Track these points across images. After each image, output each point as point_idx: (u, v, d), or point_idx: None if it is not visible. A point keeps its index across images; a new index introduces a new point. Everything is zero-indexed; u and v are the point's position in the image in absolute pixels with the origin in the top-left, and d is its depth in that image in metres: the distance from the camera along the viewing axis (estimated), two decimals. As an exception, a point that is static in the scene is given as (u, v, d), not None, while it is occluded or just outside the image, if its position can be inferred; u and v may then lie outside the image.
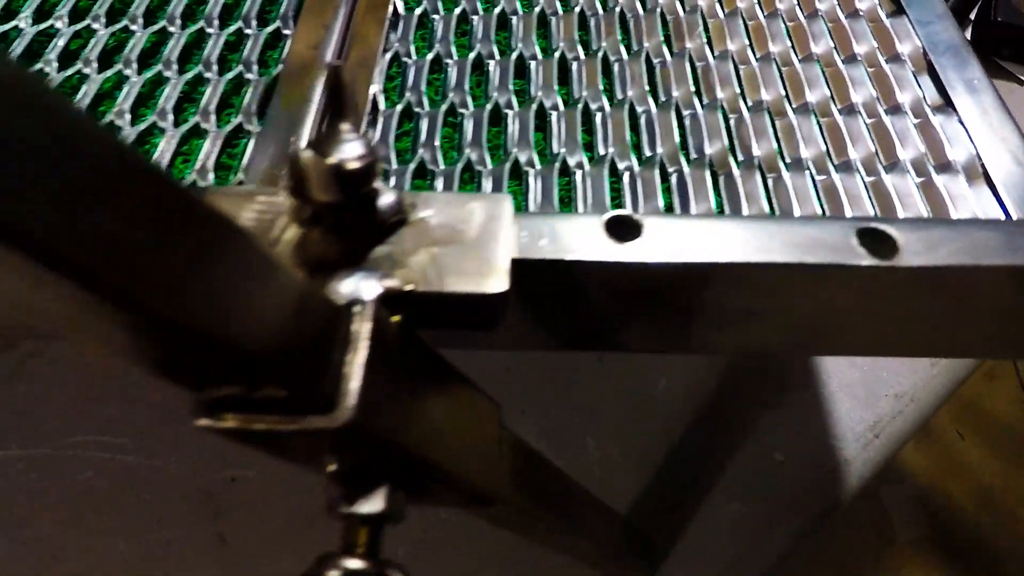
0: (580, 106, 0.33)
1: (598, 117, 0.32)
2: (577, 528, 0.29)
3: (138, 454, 0.50)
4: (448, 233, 0.18)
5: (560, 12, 0.37)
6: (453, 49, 0.36)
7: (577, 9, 0.37)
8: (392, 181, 0.29)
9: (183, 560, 0.46)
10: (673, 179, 0.30)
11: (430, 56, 0.35)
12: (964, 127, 0.31)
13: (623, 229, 0.20)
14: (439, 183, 0.29)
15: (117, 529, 0.47)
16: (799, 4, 0.37)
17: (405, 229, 0.18)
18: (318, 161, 0.15)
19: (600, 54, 0.35)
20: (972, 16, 0.63)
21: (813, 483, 0.44)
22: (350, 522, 0.16)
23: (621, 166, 0.30)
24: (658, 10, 0.37)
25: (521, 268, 0.17)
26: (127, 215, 0.10)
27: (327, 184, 0.15)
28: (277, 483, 0.48)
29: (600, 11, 0.37)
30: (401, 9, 0.38)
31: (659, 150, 0.31)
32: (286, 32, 0.37)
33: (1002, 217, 0.27)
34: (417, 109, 0.33)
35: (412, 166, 0.30)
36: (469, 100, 0.33)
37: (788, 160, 0.30)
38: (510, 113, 0.33)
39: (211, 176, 0.31)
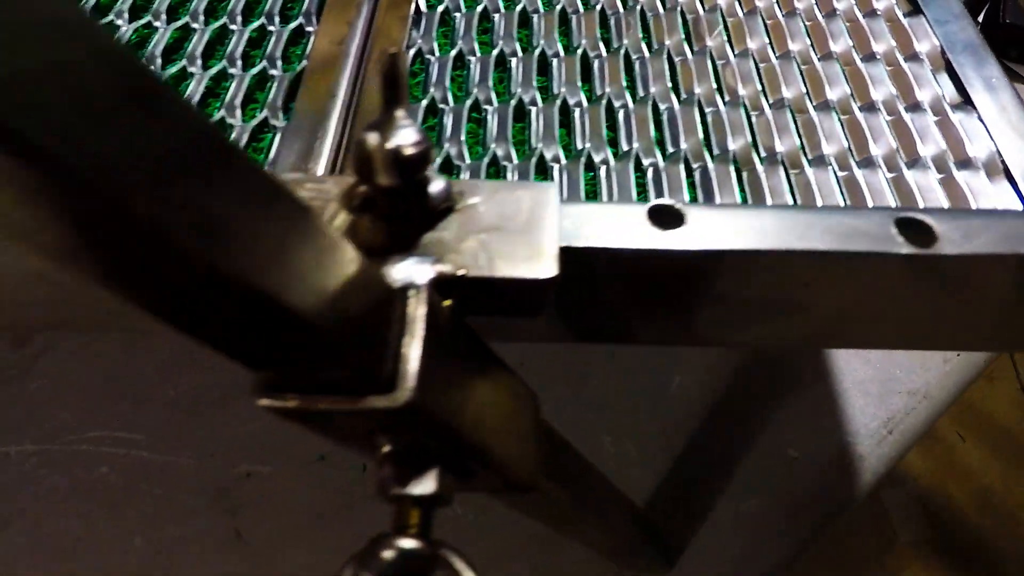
0: (604, 103, 0.33)
1: (621, 113, 0.33)
2: (601, 519, 0.29)
3: (152, 450, 0.50)
4: (496, 220, 0.18)
5: (581, 10, 0.38)
6: (476, 46, 0.36)
7: (598, 7, 0.38)
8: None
9: (199, 556, 0.46)
10: (697, 174, 0.30)
11: (453, 53, 0.36)
12: (983, 124, 0.31)
13: (666, 218, 0.20)
14: (465, 177, 0.30)
15: (132, 525, 0.47)
16: (817, 3, 0.38)
17: (454, 216, 0.18)
18: (383, 145, 0.15)
19: (622, 52, 0.35)
20: (980, 18, 0.63)
21: (827, 479, 0.44)
22: (401, 503, 0.16)
23: (646, 162, 0.30)
24: (678, 8, 0.37)
25: (565, 256, 0.17)
26: (227, 196, 0.10)
27: (388, 168, 0.15)
28: (292, 478, 0.48)
29: (621, 9, 0.38)
30: (423, 7, 0.38)
31: (683, 146, 0.31)
32: (309, 29, 0.37)
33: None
34: (442, 105, 0.33)
35: (438, 161, 0.30)
36: (493, 96, 0.34)
37: (810, 156, 0.31)
38: (534, 109, 0.33)
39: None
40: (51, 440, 0.51)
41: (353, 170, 0.16)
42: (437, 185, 0.18)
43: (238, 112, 0.33)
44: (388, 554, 0.15)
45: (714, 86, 0.34)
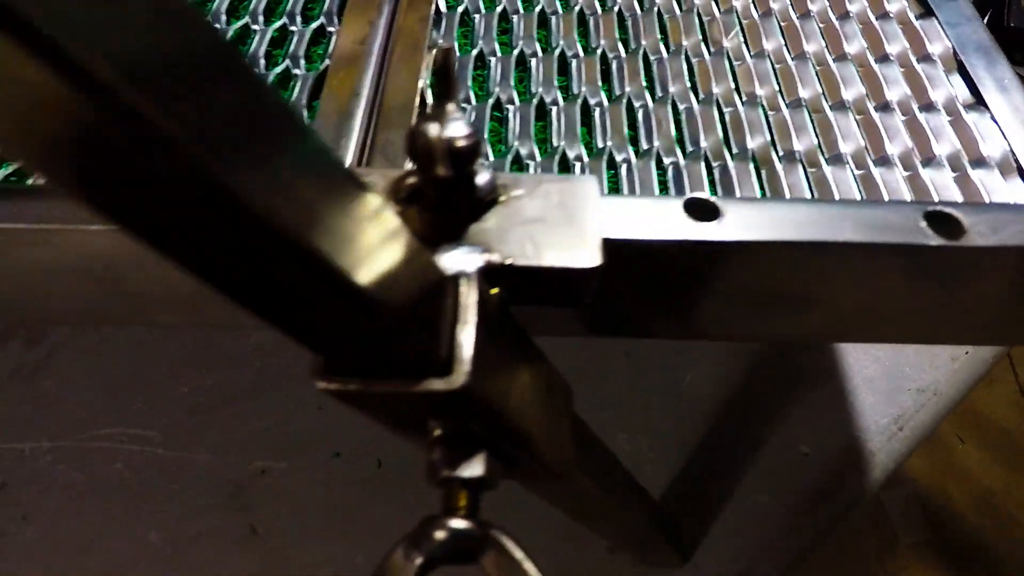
0: (624, 102, 0.33)
1: (640, 113, 0.33)
2: (623, 511, 0.29)
3: (167, 446, 0.50)
4: (539, 212, 0.18)
5: (599, 12, 0.38)
6: (496, 47, 0.37)
7: (615, 9, 0.38)
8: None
9: (215, 551, 0.46)
10: (717, 172, 0.31)
11: (474, 52, 0.36)
12: (997, 123, 0.32)
13: (702, 211, 0.21)
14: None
15: (148, 521, 0.47)
16: (830, 6, 0.38)
17: (498, 207, 0.18)
18: (441, 136, 0.16)
19: (640, 52, 0.36)
20: (984, 22, 0.64)
21: (839, 475, 0.45)
22: (450, 486, 0.17)
23: (667, 160, 0.31)
24: (695, 11, 0.38)
25: (605, 247, 0.18)
26: (301, 171, 0.10)
27: (445, 159, 0.16)
28: (307, 475, 0.48)
29: (638, 11, 0.38)
30: (443, 7, 0.38)
31: (703, 144, 0.32)
32: (331, 29, 0.37)
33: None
34: (464, 104, 0.34)
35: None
36: (515, 95, 0.34)
37: (828, 155, 0.31)
38: (555, 109, 0.34)
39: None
40: (66, 437, 0.51)
41: (411, 159, 0.16)
42: (483, 177, 0.18)
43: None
44: (439, 535, 0.16)
45: (732, 86, 0.34)
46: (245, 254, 0.11)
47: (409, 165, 0.31)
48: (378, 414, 0.16)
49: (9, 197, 0.25)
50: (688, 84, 0.34)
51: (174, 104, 0.09)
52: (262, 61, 0.36)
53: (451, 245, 0.17)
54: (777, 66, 0.35)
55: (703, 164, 0.31)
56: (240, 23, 0.38)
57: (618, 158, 0.31)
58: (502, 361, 0.16)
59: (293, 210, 0.10)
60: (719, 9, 0.38)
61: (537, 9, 0.39)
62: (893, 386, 0.47)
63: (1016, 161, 0.30)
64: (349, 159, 0.30)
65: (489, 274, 0.17)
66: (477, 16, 0.38)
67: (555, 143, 0.32)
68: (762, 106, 0.33)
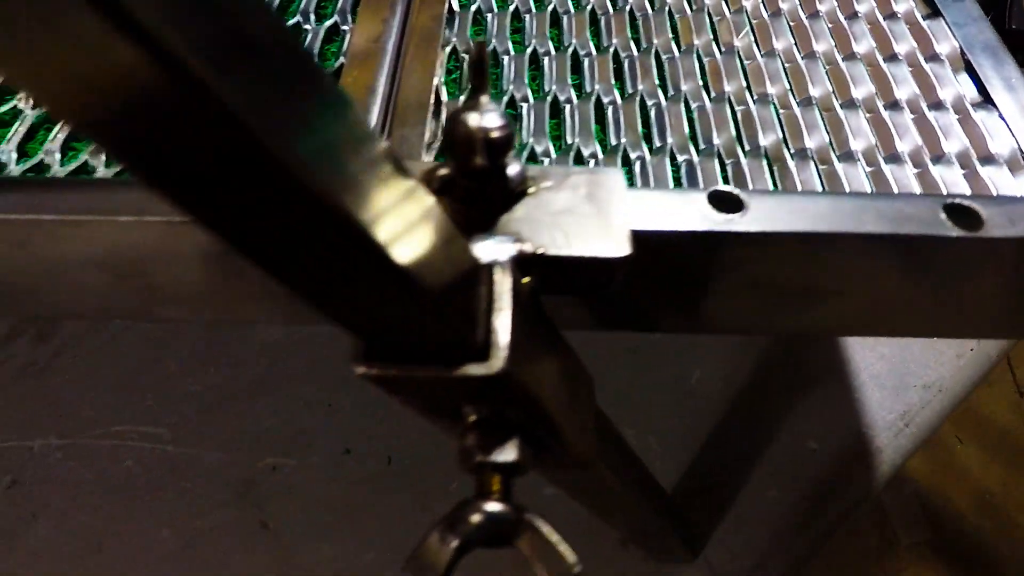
0: (637, 100, 0.34)
1: (653, 111, 0.34)
2: (639, 504, 0.30)
3: (177, 444, 0.51)
4: (567, 203, 0.19)
5: (610, 11, 0.39)
6: (510, 45, 0.37)
7: (627, 9, 0.39)
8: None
9: (227, 547, 0.46)
10: (730, 168, 0.31)
11: (487, 51, 0.36)
12: (1005, 121, 0.32)
13: (726, 202, 0.21)
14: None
15: (159, 517, 0.48)
16: (839, 6, 0.39)
17: (528, 199, 0.19)
18: (479, 126, 0.16)
19: (652, 51, 0.36)
20: (986, 24, 0.65)
21: (847, 470, 0.45)
22: (484, 471, 0.17)
23: (680, 157, 0.31)
24: (705, 10, 0.38)
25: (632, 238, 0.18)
26: (353, 151, 0.11)
27: (481, 149, 0.16)
28: (318, 471, 0.48)
29: (649, 11, 0.39)
30: (456, 6, 0.39)
31: (716, 141, 0.32)
32: (344, 27, 0.38)
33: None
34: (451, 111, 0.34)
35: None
36: (529, 93, 0.34)
37: (839, 152, 0.32)
38: (568, 107, 0.34)
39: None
40: (75, 434, 0.51)
41: (447, 150, 0.17)
42: (514, 168, 0.18)
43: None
44: (475, 518, 0.16)
45: (743, 84, 0.35)
46: (292, 227, 0.11)
47: (426, 159, 0.31)
48: (413, 400, 0.16)
49: (34, 188, 0.25)
50: (700, 82, 0.35)
51: (235, 77, 0.09)
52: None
53: (483, 235, 0.17)
54: (787, 65, 0.36)
55: (716, 161, 0.31)
56: (255, 22, 0.38)
57: (632, 155, 0.32)
58: (534, 349, 0.17)
59: (339, 183, 0.11)
60: (729, 9, 0.39)
61: (549, 8, 0.39)
62: (899, 383, 0.48)
63: (1024, 158, 0.31)
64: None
65: (521, 263, 0.17)
66: (490, 15, 0.39)
67: (569, 140, 0.32)
68: (773, 104, 0.34)
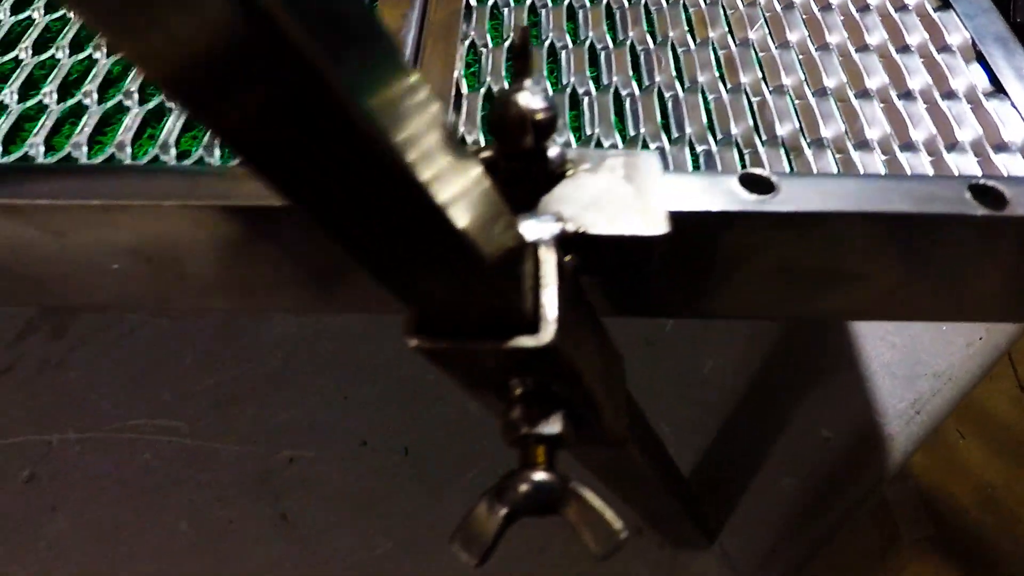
0: (655, 92, 0.34)
1: (671, 102, 0.34)
2: (661, 487, 0.30)
3: (194, 437, 0.51)
4: (606, 184, 0.19)
5: (626, 5, 0.39)
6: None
7: (642, 3, 0.39)
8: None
9: (246, 538, 0.47)
10: (748, 158, 0.32)
11: (506, 44, 0.37)
12: (1017, 110, 0.33)
13: (757, 184, 0.22)
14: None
15: (178, 509, 0.48)
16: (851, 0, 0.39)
17: (567, 180, 0.19)
18: (529, 108, 0.17)
19: (668, 44, 0.37)
20: (990, 19, 0.65)
21: (860, 457, 0.45)
22: (528, 443, 0.17)
23: (699, 148, 0.32)
24: (719, 4, 0.39)
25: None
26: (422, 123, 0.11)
27: (530, 130, 0.17)
28: (335, 463, 0.49)
29: (664, 4, 0.39)
30: (473, 1, 0.39)
31: (734, 131, 0.32)
32: (364, 22, 0.38)
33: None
34: (497, 93, 0.35)
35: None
36: (548, 85, 0.35)
37: (854, 141, 0.32)
38: (587, 99, 0.34)
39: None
40: (93, 428, 0.52)
41: (494, 132, 0.17)
42: (554, 151, 0.19)
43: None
44: (523, 487, 0.17)
45: (759, 75, 0.35)
46: (360, 185, 0.11)
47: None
48: (461, 373, 0.17)
49: (71, 175, 0.26)
50: (716, 74, 0.35)
51: (324, 43, 0.10)
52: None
53: (526, 215, 0.18)
54: (801, 57, 0.36)
55: (735, 150, 0.32)
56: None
57: (652, 146, 0.32)
58: (576, 326, 0.17)
59: (404, 140, 0.11)
60: (743, 2, 0.39)
61: (565, 3, 0.39)
62: (910, 372, 0.48)
63: (1037, 146, 0.31)
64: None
65: (563, 242, 0.17)
66: (507, 10, 0.39)
67: (589, 131, 0.33)
68: (789, 95, 0.34)
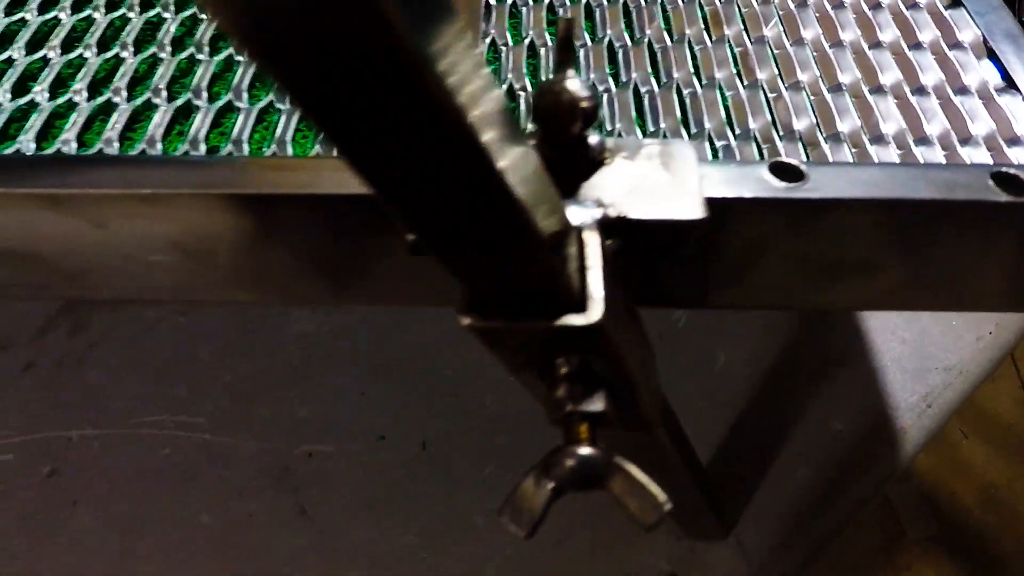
0: (673, 88, 0.35)
1: (689, 98, 0.35)
2: (683, 476, 0.31)
3: (213, 432, 0.52)
4: (644, 171, 0.20)
5: (642, 4, 0.40)
6: (547, 37, 0.38)
7: (658, 1, 0.40)
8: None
9: (266, 531, 0.47)
10: (767, 152, 0.32)
11: (526, 42, 0.38)
12: (1029, 106, 0.34)
13: (787, 173, 0.22)
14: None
15: (198, 503, 0.49)
16: (862, -2, 0.40)
17: (606, 167, 0.20)
18: (577, 96, 0.17)
19: (685, 41, 0.38)
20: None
21: (872, 450, 0.46)
22: (572, 420, 0.18)
23: (719, 143, 0.33)
24: (734, 3, 0.40)
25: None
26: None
27: (578, 117, 0.17)
28: (354, 457, 0.49)
29: (680, 3, 0.40)
30: (492, 0, 0.40)
31: (752, 126, 0.33)
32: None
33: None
34: (519, 91, 0.35)
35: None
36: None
37: (870, 136, 0.33)
38: (607, 95, 0.35)
39: (334, 152, 0.33)
40: (112, 424, 0.52)
41: (540, 121, 0.18)
42: (594, 139, 0.20)
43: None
44: (569, 462, 0.17)
45: (775, 72, 0.36)
46: (427, 144, 0.12)
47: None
48: (508, 352, 0.17)
49: (112, 165, 0.26)
50: (733, 70, 0.36)
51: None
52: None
53: (567, 201, 0.18)
54: (815, 54, 0.37)
55: (754, 144, 0.32)
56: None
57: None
58: (618, 308, 0.18)
59: (478, 114, 0.12)
60: (757, 0, 0.40)
61: (583, 2, 0.40)
62: (920, 365, 0.49)
63: (1049, 139, 0.32)
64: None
65: (604, 227, 0.18)
66: (525, 9, 0.40)
67: (609, 127, 0.34)
68: (805, 91, 0.35)
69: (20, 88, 0.36)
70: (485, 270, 0.15)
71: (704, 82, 0.36)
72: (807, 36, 0.38)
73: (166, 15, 0.40)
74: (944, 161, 0.32)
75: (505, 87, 0.35)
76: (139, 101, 0.35)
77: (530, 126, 0.25)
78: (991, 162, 0.31)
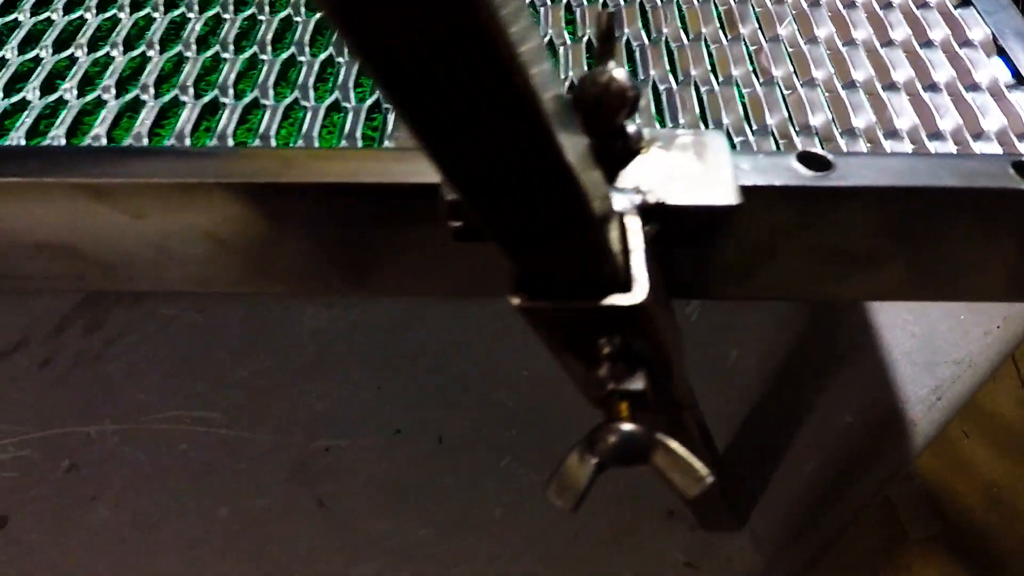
0: (691, 84, 0.36)
1: (707, 95, 0.36)
2: (708, 460, 0.31)
3: (230, 427, 0.52)
4: (679, 160, 0.20)
5: (658, 3, 0.41)
6: (566, 35, 0.39)
7: (674, 1, 0.41)
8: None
9: (284, 524, 0.48)
10: (784, 147, 0.33)
11: (544, 40, 0.39)
12: (1040, 102, 0.34)
13: (815, 162, 0.23)
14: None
15: (216, 497, 0.49)
16: (874, -3, 0.41)
17: (642, 156, 0.21)
18: (624, 85, 0.18)
19: (702, 40, 0.38)
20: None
21: (883, 443, 0.47)
22: (613, 399, 0.19)
23: (737, 139, 0.33)
24: (748, 2, 0.41)
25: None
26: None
27: (626, 105, 0.18)
28: (370, 451, 0.50)
29: (696, 2, 0.41)
30: None
31: (769, 122, 0.34)
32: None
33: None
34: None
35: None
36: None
37: (884, 131, 0.34)
38: (625, 91, 0.36)
39: (359, 145, 0.33)
40: (130, 420, 0.53)
41: (587, 110, 0.19)
42: (632, 128, 0.20)
43: (351, 95, 0.36)
44: (612, 439, 0.18)
45: (790, 69, 0.37)
46: (509, 135, 0.12)
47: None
48: (554, 333, 0.18)
49: (150, 156, 0.27)
50: (749, 68, 0.37)
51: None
52: (346, 54, 0.38)
53: (609, 187, 0.19)
54: (829, 52, 0.38)
55: (771, 140, 0.33)
56: (317, 16, 0.40)
57: (691, 135, 0.33)
58: (658, 291, 0.18)
59: (548, 97, 0.12)
60: (771, 0, 0.41)
61: (600, 1, 0.41)
62: (929, 359, 0.50)
63: (1060, 135, 0.33)
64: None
65: (643, 213, 0.19)
66: (543, 9, 0.41)
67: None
68: (820, 88, 0.36)
69: (48, 86, 0.37)
70: (541, 251, 0.16)
71: (721, 79, 0.36)
72: (820, 35, 0.39)
73: (190, 15, 0.41)
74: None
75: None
76: (167, 98, 0.36)
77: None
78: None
